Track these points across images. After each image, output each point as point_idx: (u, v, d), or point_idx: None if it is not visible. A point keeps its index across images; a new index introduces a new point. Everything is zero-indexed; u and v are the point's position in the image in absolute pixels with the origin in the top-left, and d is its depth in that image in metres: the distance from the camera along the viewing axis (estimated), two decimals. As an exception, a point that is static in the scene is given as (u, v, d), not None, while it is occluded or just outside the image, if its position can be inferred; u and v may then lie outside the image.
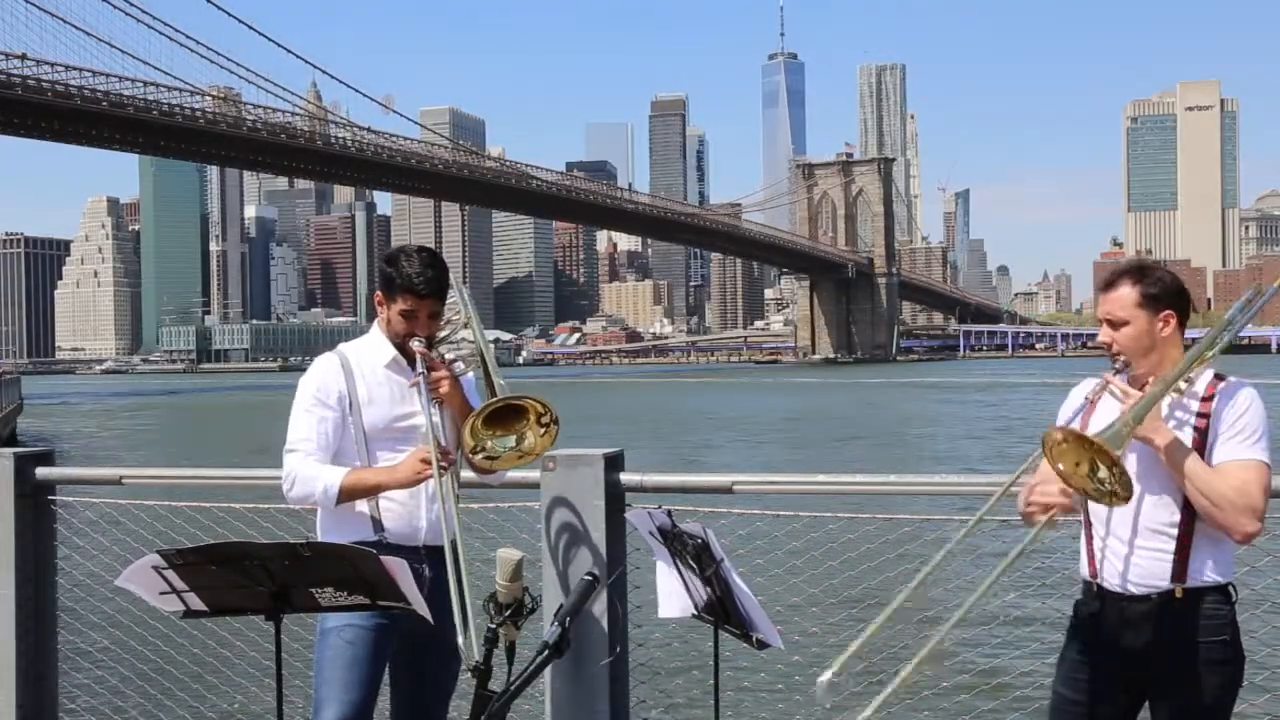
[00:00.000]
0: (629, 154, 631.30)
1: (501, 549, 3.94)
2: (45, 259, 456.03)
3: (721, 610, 4.03)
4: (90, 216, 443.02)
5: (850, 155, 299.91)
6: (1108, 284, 3.45)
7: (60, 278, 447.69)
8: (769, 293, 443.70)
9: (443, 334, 4.14)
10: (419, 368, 3.94)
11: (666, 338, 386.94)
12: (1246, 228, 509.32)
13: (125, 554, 4.54)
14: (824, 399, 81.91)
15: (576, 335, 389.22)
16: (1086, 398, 3.47)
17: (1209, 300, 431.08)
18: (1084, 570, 3.54)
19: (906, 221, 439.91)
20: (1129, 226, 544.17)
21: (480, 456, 3.80)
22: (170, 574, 3.55)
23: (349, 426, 3.97)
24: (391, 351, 4.03)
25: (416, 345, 3.96)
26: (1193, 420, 3.36)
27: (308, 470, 3.89)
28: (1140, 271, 3.44)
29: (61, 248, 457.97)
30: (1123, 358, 3.42)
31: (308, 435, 3.93)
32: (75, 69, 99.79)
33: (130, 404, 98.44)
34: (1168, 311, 3.41)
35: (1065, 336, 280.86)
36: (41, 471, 5.41)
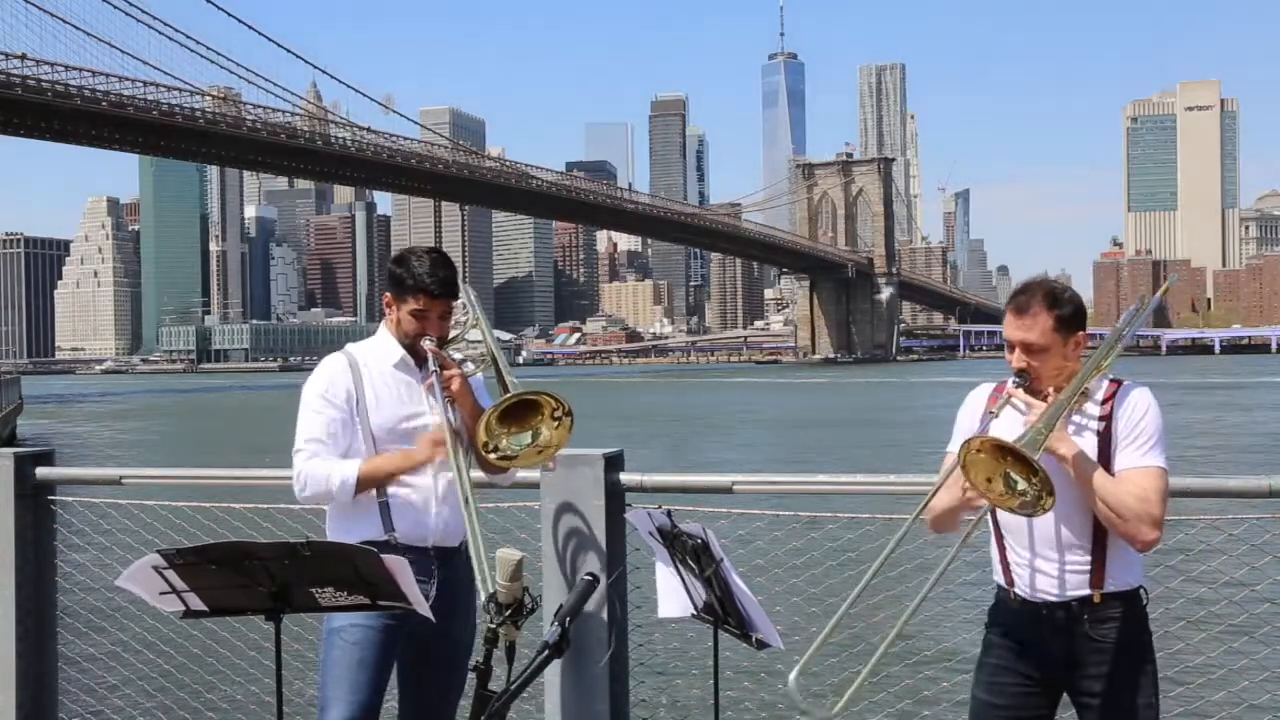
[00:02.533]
0: (629, 154, 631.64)
1: (501, 549, 3.93)
2: (45, 259, 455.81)
3: (721, 610, 4.03)
4: (90, 216, 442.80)
5: (850, 155, 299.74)
6: (1018, 308, 3.44)
7: (60, 278, 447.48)
8: (769, 293, 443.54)
9: (453, 334, 4.13)
10: (431, 365, 3.93)
11: (666, 338, 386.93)
12: (1246, 228, 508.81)
13: (125, 554, 4.54)
14: (824, 399, 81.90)
15: (576, 335, 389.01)
16: (990, 411, 3.49)
17: (1209, 300, 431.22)
18: (999, 578, 3.56)
19: (906, 221, 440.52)
20: (1129, 226, 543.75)
21: (495, 456, 3.78)
22: (170, 574, 3.55)
23: (356, 427, 3.95)
24: (400, 352, 4.01)
25: (428, 344, 3.96)
26: (1094, 427, 3.40)
27: (319, 468, 3.87)
28: (1052, 295, 3.44)
29: (61, 248, 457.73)
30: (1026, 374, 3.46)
31: (316, 435, 3.91)
32: (75, 69, 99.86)
33: (130, 404, 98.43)
34: (1080, 333, 3.47)
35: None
36: (41, 471, 5.41)
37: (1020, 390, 3.43)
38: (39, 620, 5.41)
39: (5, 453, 5.40)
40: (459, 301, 4.13)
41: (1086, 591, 3.38)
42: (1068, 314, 3.43)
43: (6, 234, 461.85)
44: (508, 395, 3.76)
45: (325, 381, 3.97)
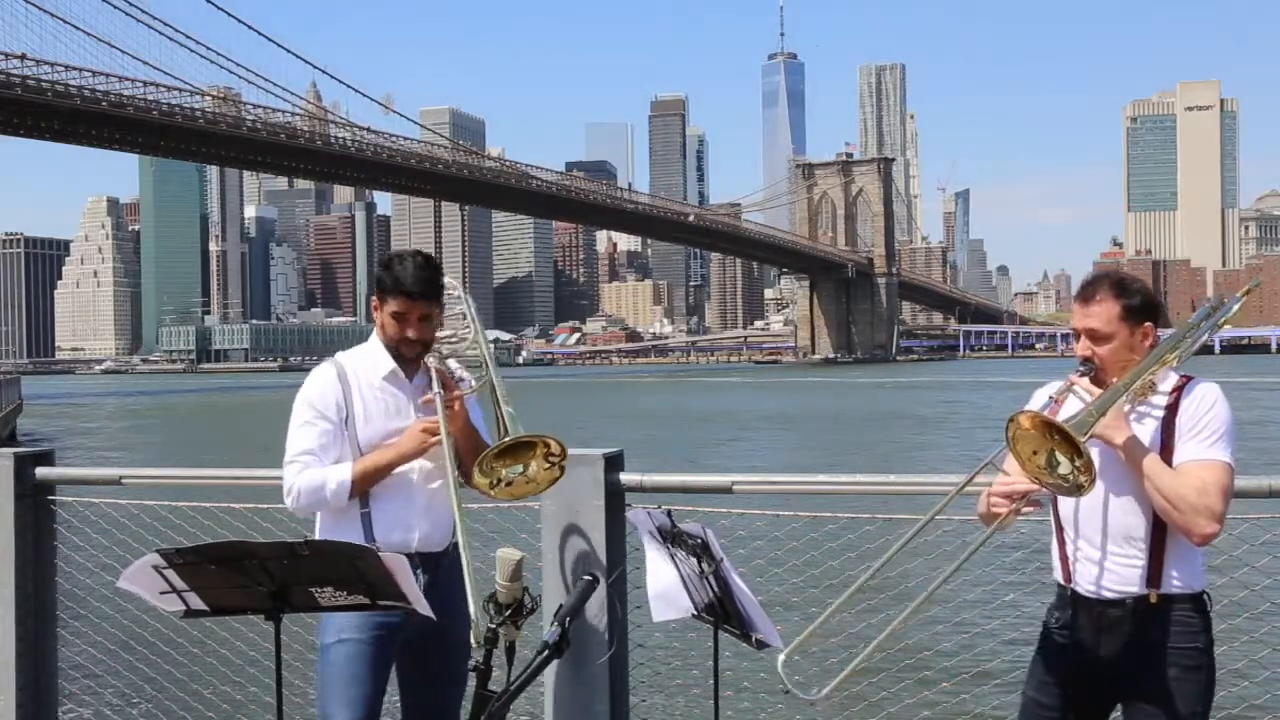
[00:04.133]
0: (629, 154, 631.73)
1: (501, 549, 3.94)
2: (45, 259, 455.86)
3: (721, 610, 4.03)
4: (90, 216, 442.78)
5: (850, 155, 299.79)
6: (1086, 297, 3.43)
7: (60, 278, 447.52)
8: (769, 293, 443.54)
9: (451, 344, 4.12)
10: (435, 386, 3.91)
11: (666, 338, 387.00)
12: (1246, 228, 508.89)
13: (125, 554, 4.54)
14: (824, 399, 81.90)
15: (576, 335, 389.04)
16: (1051, 397, 3.46)
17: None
18: (1058, 575, 3.53)
19: (906, 221, 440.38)
20: (1129, 226, 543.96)
21: (487, 483, 3.79)
22: (170, 573, 3.55)
23: (345, 439, 3.94)
24: (390, 364, 3.99)
25: (433, 361, 3.95)
26: (1156, 416, 3.36)
27: (311, 478, 3.87)
28: (1120, 284, 3.42)
29: (61, 248, 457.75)
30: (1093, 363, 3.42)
31: (307, 447, 3.90)
32: (75, 69, 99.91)
33: (130, 404, 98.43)
34: (1148, 324, 3.42)
35: (1065, 336, 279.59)
36: (41, 471, 5.41)
37: (1085, 379, 3.39)
38: (39, 620, 5.41)
39: (5, 453, 5.39)
40: (457, 311, 4.12)
41: (1142, 589, 3.33)
42: (1135, 304, 3.39)
43: (6, 234, 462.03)
44: (508, 439, 3.75)
45: (315, 393, 3.96)
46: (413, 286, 3.90)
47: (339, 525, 3.93)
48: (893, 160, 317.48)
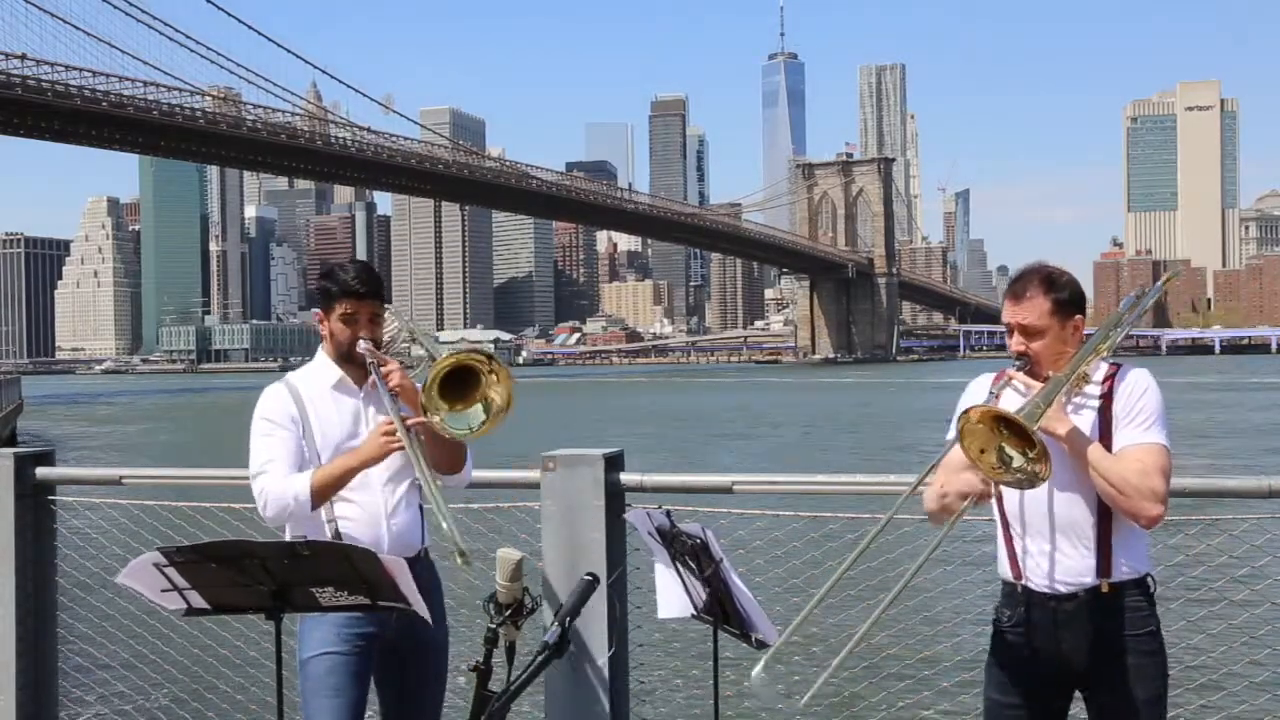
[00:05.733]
0: (629, 154, 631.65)
1: (501, 549, 3.94)
2: (45, 259, 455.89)
3: (721, 610, 4.03)
4: (90, 216, 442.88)
5: (850, 155, 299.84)
6: (1016, 293, 3.47)
7: (60, 278, 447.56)
8: (769, 293, 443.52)
9: (394, 348, 4.14)
10: (369, 365, 3.92)
11: (666, 338, 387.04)
12: (1246, 228, 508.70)
13: (125, 554, 4.53)
14: (824, 399, 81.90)
15: (576, 335, 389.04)
16: (992, 392, 3.49)
17: (1209, 300, 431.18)
18: (1005, 572, 3.53)
19: (906, 221, 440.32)
20: (1129, 226, 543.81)
21: (446, 426, 3.70)
22: (171, 571, 3.55)
23: (304, 451, 3.95)
24: (338, 373, 4.02)
25: (363, 346, 3.95)
26: (1092, 406, 3.41)
27: (278, 486, 3.86)
28: (1049, 280, 3.46)
29: (61, 248, 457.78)
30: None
31: (270, 456, 3.91)
32: (75, 69, 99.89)
33: (130, 404, 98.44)
34: (1079, 316, 3.48)
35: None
36: (41, 471, 5.42)
37: (1021, 374, 3.44)
38: (39, 620, 5.41)
39: (5, 453, 5.40)
40: (389, 315, 4.13)
41: (1094, 580, 3.37)
42: (1064, 297, 3.45)
43: (6, 234, 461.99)
44: (439, 362, 3.67)
45: (269, 407, 3.98)
46: (360, 286, 3.96)
47: (306, 527, 3.92)
48: (893, 160, 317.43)
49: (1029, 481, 3.14)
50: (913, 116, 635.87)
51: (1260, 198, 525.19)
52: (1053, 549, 3.40)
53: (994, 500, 3.45)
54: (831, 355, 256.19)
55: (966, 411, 3.19)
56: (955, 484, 3.40)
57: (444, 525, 3.58)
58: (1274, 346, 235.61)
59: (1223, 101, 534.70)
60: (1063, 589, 3.40)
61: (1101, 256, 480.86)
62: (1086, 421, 3.38)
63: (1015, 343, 3.47)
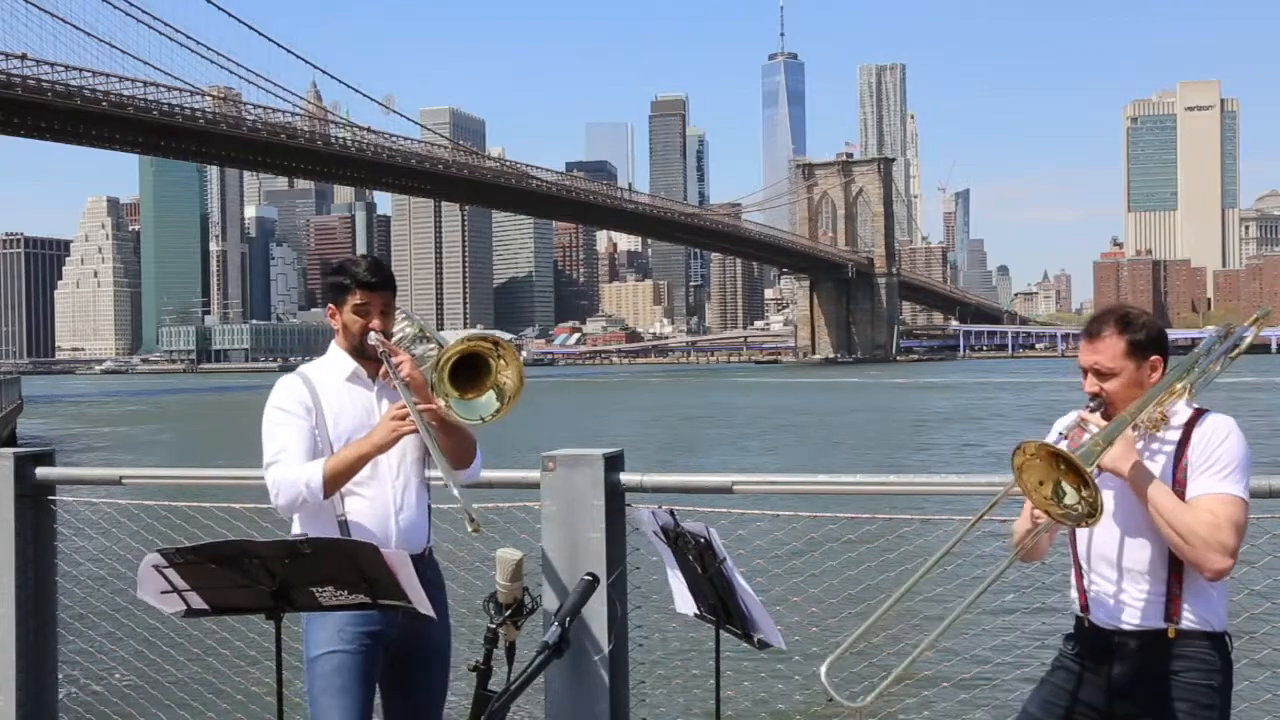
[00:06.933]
0: (629, 154, 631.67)
1: (501, 549, 3.93)
2: (45, 259, 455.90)
3: (723, 610, 4.03)
4: (90, 216, 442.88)
5: (850, 155, 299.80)
6: (1092, 333, 3.42)
7: (60, 278, 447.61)
8: (769, 293, 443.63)
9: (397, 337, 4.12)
10: (381, 355, 3.94)
11: (666, 338, 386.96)
12: (1246, 228, 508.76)
13: (125, 554, 4.54)
14: (824, 399, 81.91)
15: (576, 335, 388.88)
16: (1061, 434, 3.43)
17: (1209, 300, 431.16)
18: (1075, 606, 3.54)
19: (906, 221, 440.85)
20: (1129, 226, 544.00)
21: (457, 412, 3.75)
22: (170, 573, 3.55)
23: (316, 441, 3.96)
24: (352, 365, 4.03)
25: (374, 337, 3.97)
26: (1168, 451, 3.34)
27: (289, 474, 3.87)
28: (1125, 320, 3.40)
29: (61, 248, 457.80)
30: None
31: (284, 445, 3.92)
32: (75, 69, 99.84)
33: (130, 404, 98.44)
34: (1155, 357, 3.40)
35: (1065, 336, 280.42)
36: (41, 471, 5.41)
37: (1096, 415, 3.36)
38: (39, 620, 5.41)
39: (5, 453, 5.39)
40: (400, 318, 4.12)
41: (1161, 625, 3.31)
42: (1140, 338, 3.37)
43: (6, 234, 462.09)
44: (447, 349, 3.72)
45: (283, 397, 4.00)
46: (372, 277, 3.99)
47: (316, 521, 3.95)
48: (893, 160, 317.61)
49: (1080, 520, 3.09)
50: (913, 116, 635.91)
51: (1260, 198, 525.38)
52: (1118, 589, 3.37)
53: (1068, 535, 3.43)
54: (831, 355, 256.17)
55: (1023, 445, 3.14)
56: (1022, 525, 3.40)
57: (454, 492, 3.64)
58: (1274, 347, 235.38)
59: (1223, 101, 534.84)
60: (1126, 628, 3.35)
61: (1101, 256, 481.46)
62: (1159, 465, 3.31)
63: (1089, 384, 3.40)
